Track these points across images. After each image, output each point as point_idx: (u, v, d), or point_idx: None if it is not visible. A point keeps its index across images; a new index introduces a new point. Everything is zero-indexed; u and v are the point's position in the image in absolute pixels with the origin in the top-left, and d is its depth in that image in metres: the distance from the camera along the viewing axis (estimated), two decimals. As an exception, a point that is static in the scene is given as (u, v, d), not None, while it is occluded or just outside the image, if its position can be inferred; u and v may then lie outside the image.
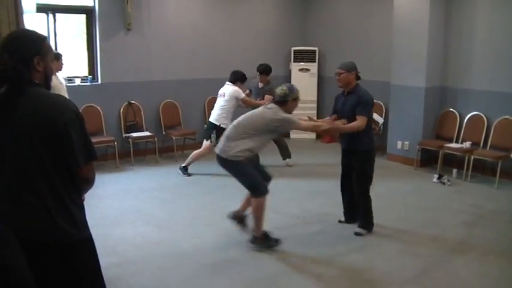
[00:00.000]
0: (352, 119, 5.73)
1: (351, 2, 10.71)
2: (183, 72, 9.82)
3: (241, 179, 5.42)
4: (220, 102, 8.22)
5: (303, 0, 11.56)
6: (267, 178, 5.70)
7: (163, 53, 9.58)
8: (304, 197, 7.39)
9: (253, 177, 5.39)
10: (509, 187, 7.98)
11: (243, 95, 8.26)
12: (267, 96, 8.41)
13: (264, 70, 8.69)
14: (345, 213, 6.29)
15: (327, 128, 5.74)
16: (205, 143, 8.28)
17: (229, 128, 5.59)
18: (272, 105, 5.53)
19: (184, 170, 8.30)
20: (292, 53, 11.20)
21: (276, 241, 5.51)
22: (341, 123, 5.85)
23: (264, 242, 5.48)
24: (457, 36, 8.86)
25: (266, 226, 5.66)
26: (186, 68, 9.86)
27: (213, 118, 8.22)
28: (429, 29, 8.71)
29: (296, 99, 5.54)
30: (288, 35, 11.37)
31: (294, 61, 11.22)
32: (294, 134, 11.34)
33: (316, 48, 11.23)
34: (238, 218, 5.76)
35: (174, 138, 9.28)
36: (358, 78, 5.90)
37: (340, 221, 6.31)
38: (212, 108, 8.40)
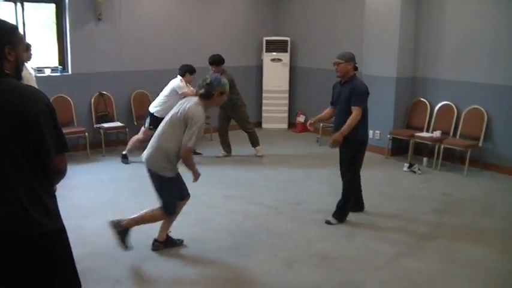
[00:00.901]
0: (346, 107, 5.81)
1: (323, -8, 10.73)
2: (154, 63, 9.74)
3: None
4: (162, 92, 8.36)
5: (274, -10, 11.56)
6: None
7: (135, 43, 9.49)
8: (278, 186, 7.41)
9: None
10: (478, 175, 8.12)
11: (184, 90, 8.16)
12: None
13: (214, 61, 8.55)
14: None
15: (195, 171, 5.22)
16: (142, 129, 8.44)
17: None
18: (195, 98, 5.00)
19: (123, 156, 8.45)
20: (264, 43, 11.19)
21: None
22: (325, 116, 6.07)
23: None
24: (428, 27, 8.95)
25: (239, 216, 5.67)
26: (158, 58, 9.79)
27: (152, 106, 8.36)
28: (400, 20, 8.78)
29: (223, 94, 5.00)
30: (260, 25, 11.35)
31: (266, 51, 11.22)
32: (266, 124, 11.37)
33: (288, 39, 11.24)
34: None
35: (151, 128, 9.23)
36: (355, 69, 5.94)
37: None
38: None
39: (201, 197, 6.78)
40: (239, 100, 8.82)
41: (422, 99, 9.15)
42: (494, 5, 8.13)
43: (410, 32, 9.02)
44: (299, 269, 4.91)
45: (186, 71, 8.39)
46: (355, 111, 5.73)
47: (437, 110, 8.89)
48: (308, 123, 6.29)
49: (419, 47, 9.12)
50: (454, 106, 8.70)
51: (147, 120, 8.30)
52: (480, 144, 8.29)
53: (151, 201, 6.59)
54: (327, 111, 6.24)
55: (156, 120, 8.22)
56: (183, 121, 4.79)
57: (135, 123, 9.36)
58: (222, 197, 6.86)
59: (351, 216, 6.17)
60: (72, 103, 8.76)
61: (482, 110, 8.33)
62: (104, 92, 9.18)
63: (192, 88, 8.23)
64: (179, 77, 8.36)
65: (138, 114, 9.44)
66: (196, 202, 6.56)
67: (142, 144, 8.31)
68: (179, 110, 4.90)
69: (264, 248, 5.33)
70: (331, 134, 6.15)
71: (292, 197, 6.96)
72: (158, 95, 9.13)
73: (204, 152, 9.09)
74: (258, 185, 7.41)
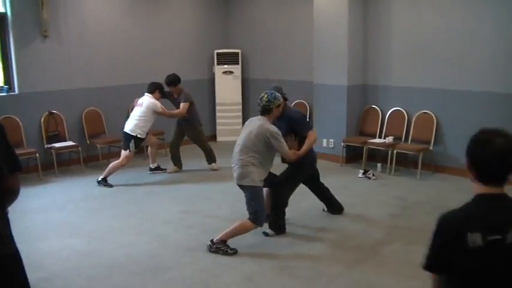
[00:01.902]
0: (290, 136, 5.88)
1: (272, 4, 10.80)
2: (105, 79, 9.62)
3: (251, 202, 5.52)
4: (137, 112, 8.13)
5: (224, 3, 11.57)
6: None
7: (84, 60, 9.34)
8: (235, 199, 7.36)
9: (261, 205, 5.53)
10: (431, 178, 8.27)
11: (160, 109, 8.19)
12: (182, 105, 8.43)
13: (171, 82, 8.56)
14: (326, 205, 6.64)
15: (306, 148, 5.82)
16: (124, 153, 8.11)
17: (236, 153, 5.60)
18: (259, 117, 5.56)
19: (104, 181, 8.06)
20: (215, 55, 11.19)
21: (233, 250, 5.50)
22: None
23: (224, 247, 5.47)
24: (376, 35, 9.11)
25: (196, 229, 5.64)
26: (108, 74, 9.66)
27: (128, 129, 8.10)
28: (348, 29, 8.91)
29: (280, 106, 5.55)
30: (210, 38, 11.35)
31: (217, 64, 11.22)
32: (221, 137, 11.35)
33: (238, 51, 11.27)
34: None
35: (98, 146, 9.09)
36: (285, 99, 5.96)
37: (324, 210, 6.69)
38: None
39: (156, 213, 6.73)
40: (196, 120, 8.82)
41: (373, 106, 9.29)
42: (439, 12, 8.33)
43: (359, 41, 9.16)
44: (259, 281, 4.90)
45: (156, 89, 8.28)
46: (311, 135, 5.88)
47: (389, 116, 9.04)
48: None
49: (369, 55, 9.26)
50: (404, 112, 8.86)
51: (131, 144, 8.04)
52: (431, 148, 8.46)
53: (109, 221, 6.54)
54: None
55: (140, 142, 8.15)
56: (263, 139, 5.38)
57: (88, 141, 9.22)
58: (178, 212, 6.80)
59: (310, 225, 6.22)
60: (20, 123, 8.55)
61: (432, 114, 8.51)
62: (54, 111, 9.00)
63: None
64: (149, 95, 8.22)
65: (91, 133, 9.31)
66: (151, 218, 6.55)
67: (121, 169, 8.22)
68: (251, 131, 5.44)
69: (224, 262, 5.29)
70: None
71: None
72: (111, 112, 9.05)
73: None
74: (214, 198, 7.38)
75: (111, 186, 8.01)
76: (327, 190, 6.57)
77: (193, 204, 7.15)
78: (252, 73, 11.38)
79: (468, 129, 8.42)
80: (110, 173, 8.08)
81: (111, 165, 8.15)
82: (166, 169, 8.83)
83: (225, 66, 11.24)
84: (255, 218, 5.44)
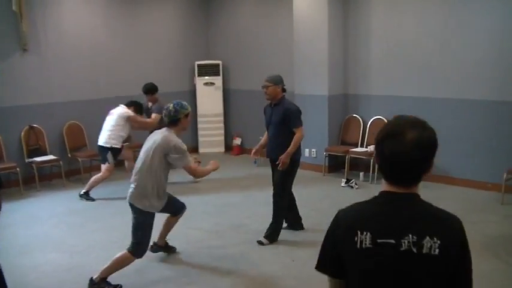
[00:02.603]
0: (279, 129, 5.89)
1: (252, 15, 10.85)
2: (86, 92, 9.58)
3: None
4: (109, 123, 8.06)
5: (204, 14, 11.60)
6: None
7: (64, 73, 9.29)
8: (217, 210, 7.39)
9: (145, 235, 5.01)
10: (413, 186, 8.31)
11: (131, 114, 8.11)
12: (153, 115, 8.40)
13: (148, 90, 8.59)
14: (285, 219, 6.42)
15: (212, 168, 5.33)
16: (104, 166, 8.07)
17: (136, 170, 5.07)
18: (163, 130, 5.09)
19: (86, 195, 8.02)
20: (196, 67, 11.20)
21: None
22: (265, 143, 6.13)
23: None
24: (356, 45, 9.19)
25: (179, 242, 5.63)
26: (89, 87, 9.63)
27: (102, 141, 8.02)
28: (329, 39, 8.98)
29: (188, 115, 5.12)
30: (191, 50, 11.36)
31: (199, 75, 11.22)
32: (203, 149, 11.33)
33: (219, 62, 11.29)
34: (163, 247, 5.75)
35: (80, 160, 9.03)
36: (284, 90, 6.00)
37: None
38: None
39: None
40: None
41: (354, 115, 9.35)
42: (418, 21, 8.43)
43: (339, 50, 9.23)
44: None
45: (132, 104, 8.24)
46: (298, 132, 5.86)
47: (370, 125, 9.10)
48: (252, 153, 6.37)
49: (349, 65, 9.34)
50: (385, 120, 8.91)
51: (109, 156, 7.99)
52: (412, 156, 8.50)
53: (92, 235, 6.48)
54: (265, 136, 6.28)
55: (117, 152, 8.08)
56: (162, 153, 4.86)
57: (69, 155, 9.15)
58: (160, 225, 6.75)
59: (293, 235, 6.23)
60: (0, 138, 8.47)
61: (412, 122, 8.56)
62: (35, 125, 8.94)
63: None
64: (124, 107, 8.17)
65: (72, 146, 9.25)
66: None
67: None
68: (152, 144, 4.95)
69: (207, 274, 5.28)
70: (255, 162, 6.18)
71: (232, 220, 6.94)
72: (92, 125, 8.97)
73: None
74: (196, 210, 7.34)
75: (93, 199, 7.97)
76: (292, 199, 6.41)
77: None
78: (233, 84, 11.40)
79: (449, 136, 8.59)
80: (91, 187, 8.04)
81: (92, 178, 8.11)
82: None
83: (206, 77, 11.24)
84: (136, 250, 4.94)
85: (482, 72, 7.83)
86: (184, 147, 4.97)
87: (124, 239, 6.19)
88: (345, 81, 9.41)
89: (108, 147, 7.98)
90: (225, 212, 7.28)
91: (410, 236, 1.88)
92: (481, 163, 7.98)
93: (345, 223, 2.05)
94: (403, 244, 1.88)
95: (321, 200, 7.79)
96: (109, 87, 9.82)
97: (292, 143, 5.81)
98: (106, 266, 4.93)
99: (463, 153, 8.18)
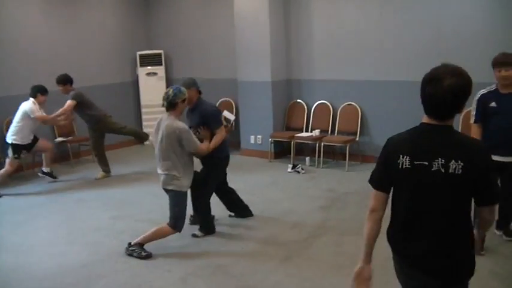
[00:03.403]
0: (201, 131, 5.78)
1: (192, 3, 10.73)
2: (25, 86, 9.22)
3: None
4: (15, 118, 7.96)
5: (144, 4, 11.41)
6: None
7: (3, 67, 8.97)
8: (167, 202, 7.24)
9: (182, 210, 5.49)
10: (359, 168, 8.44)
11: (37, 114, 7.90)
12: (67, 102, 8.21)
13: (60, 81, 8.38)
14: (230, 210, 6.46)
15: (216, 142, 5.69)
16: (7, 161, 7.98)
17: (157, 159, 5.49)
18: (164, 115, 5.40)
19: None
20: (138, 57, 11.03)
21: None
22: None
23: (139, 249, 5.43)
24: (297, 30, 9.21)
25: (127, 235, 5.54)
26: (29, 81, 9.24)
27: (8, 136, 7.95)
28: (270, 24, 8.96)
29: (185, 101, 5.39)
30: (131, 40, 11.16)
31: (141, 66, 11.06)
32: (149, 140, 11.18)
33: (161, 51, 11.15)
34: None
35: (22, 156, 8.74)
36: (199, 92, 5.88)
37: (230, 215, 6.47)
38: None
39: (86, 221, 6.56)
40: (101, 115, 8.53)
41: (298, 100, 9.39)
42: (357, 4, 8.51)
43: (280, 36, 9.23)
44: (194, 282, 4.85)
45: (37, 92, 8.02)
46: (219, 133, 5.75)
47: (314, 110, 9.16)
48: None
49: (291, 50, 9.35)
50: (329, 104, 9.00)
51: (9, 151, 7.89)
52: (357, 139, 8.64)
53: (37, 232, 6.30)
54: None
55: (18, 148, 7.89)
56: (174, 138, 5.24)
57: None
58: (109, 219, 6.64)
59: (242, 222, 6.22)
60: None
61: (356, 105, 8.69)
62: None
63: (42, 111, 7.96)
64: (31, 99, 7.97)
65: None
66: (81, 227, 6.38)
67: (11, 177, 8.00)
68: (160, 135, 5.32)
69: (157, 265, 5.22)
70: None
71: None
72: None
73: (85, 174, 8.81)
74: (145, 202, 7.25)
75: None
76: (233, 192, 6.40)
77: (123, 209, 7.02)
78: (176, 73, 11.28)
79: (392, 118, 8.73)
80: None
81: None
82: (57, 178, 8.55)
83: (149, 67, 11.09)
84: (175, 224, 5.41)
85: (421, 55, 7.96)
86: (188, 130, 5.35)
87: (70, 235, 6.12)
88: (287, 67, 9.43)
89: (8, 143, 7.90)
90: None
91: (439, 159, 2.46)
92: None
93: (392, 148, 2.63)
94: (434, 165, 2.47)
95: (268, 186, 7.80)
96: (50, 80, 9.51)
97: (212, 142, 5.68)
98: (146, 234, 5.43)
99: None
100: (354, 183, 7.68)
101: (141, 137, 8.92)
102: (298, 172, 8.38)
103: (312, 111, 9.18)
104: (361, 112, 8.66)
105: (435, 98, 2.48)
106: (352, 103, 8.75)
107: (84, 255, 5.55)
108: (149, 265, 5.22)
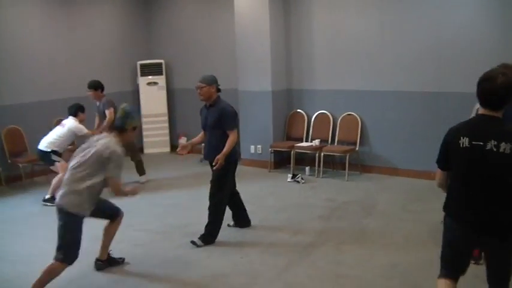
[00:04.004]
0: (215, 130, 5.78)
1: (193, 13, 10.77)
2: (26, 95, 9.27)
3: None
4: (56, 132, 7.89)
5: (145, 14, 11.45)
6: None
7: (2, 76, 8.99)
8: (165, 211, 7.30)
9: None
10: (358, 178, 8.44)
11: (84, 133, 7.86)
12: (107, 112, 8.32)
13: (92, 86, 8.46)
14: (233, 217, 6.41)
15: (131, 192, 5.24)
16: (57, 166, 7.81)
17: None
18: (103, 135, 4.92)
19: (54, 200, 7.70)
20: (139, 67, 11.06)
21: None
22: (198, 140, 6.05)
23: None
24: (298, 40, 9.23)
25: (127, 245, 5.52)
26: (29, 90, 9.31)
27: (43, 146, 7.82)
28: (270, 35, 8.99)
29: (135, 129, 5.02)
30: (132, 50, 11.20)
31: (141, 75, 11.08)
32: (148, 149, 11.20)
33: (162, 61, 11.17)
34: (106, 261, 5.45)
35: (20, 165, 8.75)
36: (218, 90, 5.91)
37: (229, 225, 6.40)
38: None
39: (85, 231, 6.51)
40: None
41: (299, 110, 9.40)
42: (358, 16, 8.55)
43: (281, 46, 9.26)
44: (192, 291, 4.84)
45: (78, 110, 8.02)
46: (232, 135, 5.75)
47: (314, 120, 9.17)
48: (178, 149, 6.24)
49: (292, 60, 9.38)
50: (329, 114, 9.01)
51: (54, 157, 7.76)
52: (357, 149, 8.64)
53: (37, 243, 6.29)
54: (200, 135, 6.16)
55: (58, 152, 7.86)
56: (100, 159, 4.65)
57: (9, 160, 8.80)
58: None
59: (241, 232, 6.21)
60: None
61: (356, 115, 8.70)
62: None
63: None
64: (72, 118, 7.98)
65: (12, 151, 8.88)
66: (80, 236, 6.33)
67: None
68: (90, 149, 4.74)
69: (156, 275, 5.21)
70: (201, 160, 6.04)
71: (180, 220, 6.87)
72: (33, 129, 8.74)
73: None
74: (143, 211, 7.25)
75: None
76: (239, 200, 6.36)
77: (122, 218, 6.99)
78: (177, 83, 11.30)
79: (391, 128, 8.76)
80: (55, 190, 7.77)
81: (53, 182, 7.79)
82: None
83: (149, 77, 11.11)
84: (65, 254, 4.73)
85: (420, 65, 8.02)
86: (122, 160, 4.80)
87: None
88: (288, 77, 9.45)
89: (48, 151, 7.78)
90: (172, 212, 7.20)
91: (492, 141, 3.16)
92: (424, 153, 8.13)
93: (454, 132, 3.38)
94: (488, 145, 3.17)
95: (268, 196, 7.79)
96: (50, 89, 9.56)
97: (226, 144, 5.69)
98: (36, 280, 4.69)
99: (405, 144, 8.34)
100: (354, 193, 7.69)
101: (141, 170, 8.89)
102: (298, 182, 8.38)
103: (312, 121, 9.19)
104: (361, 122, 8.67)
105: (488, 94, 3.21)
106: (352, 113, 8.76)
107: (83, 265, 5.52)
108: (149, 275, 5.21)
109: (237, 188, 6.29)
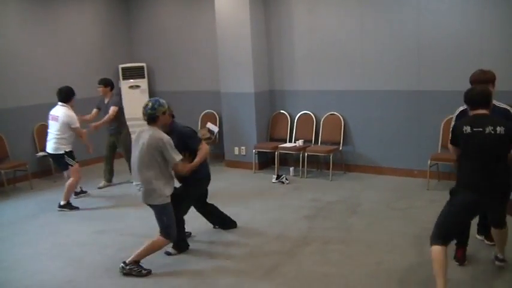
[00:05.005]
0: (183, 153, 5.63)
1: (174, 16, 10.74)
2: (5, 100, 9.19)
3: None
4: (53, 129, 7.59)
5: (125, 17, 11.38)
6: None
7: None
8: (150, 215, 7.19)
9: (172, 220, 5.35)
10: (343, 177, 8.48)
11: (76, 124, 7.61)
12: (111, 108, 8.43)
13: (103, 82, 8.63)
14: (214, 223, 6.47)
15: (199, 160, 5.59)
16: (71, 170, 7.67)
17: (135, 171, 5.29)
18: (147, 127, 5.29)
19: (70, 206, 7.60)
20: (120, 70, 11.00)
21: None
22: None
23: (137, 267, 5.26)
24: (279, 41, 9.26)
25: (113, 250, 5.50)
26: (9, 95, 9.23)
27: (51, 149, 7.61)
28: (251, 37, 9.00)
29: (165, 113, 5.34)
30: (113, 53, 11.13)
31: (123, 79, 11.02)
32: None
33: (144, 64, 11.13)
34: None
35: (2, 172, 8.67)
36: (172, 116, 5.77)
37: (214, 227, 6.47)
38: (45, 135, 7.83)
39: (69, 236, 6.51)
40: (126, 128, 8.83)
41: (282, 111, 9.42)
42: (337, 16, 8.58)
43: (263, 48, 9.27)
44: (179, 294, 4.83)
45: (69, 95, 7.66)
46: (203, 148, 5.69)
47: (297, 120, 9.19)
48: None
49: (274, 62, 9.39)
50: (312, 115, 9.04)
51: (68, 160, 7.59)
52: (340, 148, 8.68)
53: (19, 249, 6.23)
54: None
55: (72, 153, 7.69)
56: (157, 149, 5.11)
57: None
58: (92, 233, 6.59)
59: (227, 235, 6.21)
60: None
61: (339, 115, 8.74)
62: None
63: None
64: (63, 105, 7.60)
65: None
66: (64, 242, 6.32)
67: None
68: (144, 143, 5.15)
69: (141, 278, 5.19)
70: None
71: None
72: (14, 134, 8.66)
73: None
74: (129, 216, 7.21)
75: (77, 208, 7.62)
76: (215, 209, 6.35)
77: (107, 223, 6.96)
78: (159, 86, 11.26)
79: (374, 127, 8.81)
80: (69, 195, 7.69)
81: (67, 186, 7.65)
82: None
83: (131, 80, 11.07)
84: (167, 233, 5.31)
85: (401, 65, 8.08)
86: (172, 143, 5.19)
87: (53, 250, 6.05)
88: (270, 78, 9.47)
89: (60, 154, 7.57)
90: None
91: (489, 126, 4.20)
92: (407, 151, 8.20)
93: (459, 124, 4.41)
94: (486, 130, 4.20)
95: (253, 197, 7.79)
96: (31, 94, 9.47)
97: (198, 156, 5.63)
98: (140, 250, 5.25)
99: (389, 143, 8.39)
100: (338, 193, 7.71)
101: None
102: (283, 182, 8.39)
103: (295, 121, 9.21)
104: (344, 122, 8.71)
105: (475, 97, 4.36)
106: (335, 113, 8.80)
107: (68, 270, 5.50)
108: (134, 281, 5.19)
109: (212, 190, 6.27)
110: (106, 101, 8.63)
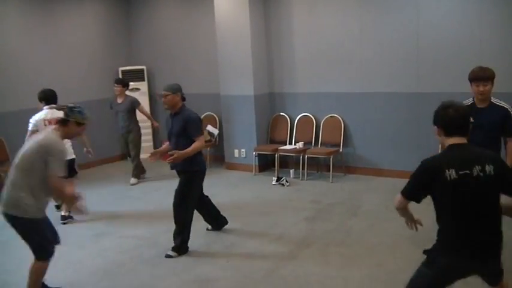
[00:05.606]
0: (181, 139, 5.70)
1: (174, 18, 10.75)
2: (6, 104, 9.20)
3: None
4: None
5: (125, 20, 11.39)
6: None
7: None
8: (151, 216, 7.26)
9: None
10: (343, 179, 8.49)
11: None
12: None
13: (120, 82, 9.11)
14: (210, 223, 6.44)
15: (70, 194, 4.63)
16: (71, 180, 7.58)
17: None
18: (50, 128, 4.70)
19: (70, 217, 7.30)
20: (120, 73, 11.01)
21: None
22: (165, 149, 6.00)
23: None
24: (279, 44, 9.27)
25: (113, 252, 5.47)
26: (10, 98, 9.24)
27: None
28: (251, 40, 9.01)
29: (81, 125, 4.67)
30: (113, 56, 11.13)
31: (124, 81, 11.03)
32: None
33: (143, 67, 11.15)
34: None
35: (2, 174, 8.61)
36: (183, 99, 5.87)
37: (207, 229, 6.45)
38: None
39: (69, 238, 6.48)
40: (137, 126, 9.20)
41: (281, 113, 9.42)
42: (337, 19, 8.60)
43: (262, 50, 9.28)
44: (180, 297, 4.83)
45: (55, 97, 7.57)
46: (198, 141, 5.68)
47: (297, 122, 9.20)
48: (149, 156, 6.28)
49: (274, 64, 9.40)
50: (312, 117, 9.04)
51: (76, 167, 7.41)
52: (341, 150, 8.68)
53: (19, 252, 6.22)
54: (166, 144, 6.09)
55: (74, 161, 7.28)
56: (43, 152, 4.35)
57: None
58: (92, 236, 6.60)
59: (226, 237, 6.21)
60: None
61: (339, 117, 8.75)
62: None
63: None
64: (48, 108, 7.40)
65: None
66: (64, 244, 6.25)
67: None
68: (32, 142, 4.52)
69: (142, 281, 5.19)
70: (171, 169, 5.95)
71: (167, 225, 6.82)
72: (15, 138, 8.63)
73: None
74: (130, 217, 7.22)
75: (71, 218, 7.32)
76: (209, 203, 6.31)
77: (107, 225, 6.96)
78: (159, 88, 11.18)
79: (374, 129, 8.80)
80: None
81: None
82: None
83: (131, 83, 11.04)
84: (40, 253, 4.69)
85: (401, 66, 8.09)
86: (64, 155, 4.50)
87: (55, 252, 6.02)
88: (270, 81, 9.48)
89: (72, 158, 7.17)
90: (159, 218, 7.15)
91: (477, 166, 3.11)
92: (407, 153, 8.20)
93: (434, 166, 3.20)
94: (474, 172, 3.10)
95: (253, 199, 7.79)
96: (31, 97, 9.41)
97: (191, 147, 5.61)
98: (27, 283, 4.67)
99: (389, 145, 8.39)
100: (338, 194, 7.72)
101: (139, 172, 9.16)
102: (283, 185, 8.39)
103: (295, 123, 9.22)
104: (344, 124, 8.72)
105: (457, 121, 3.24)
106: (334, 115, 8.81)
107: (68, 273, 5.50)
108: (133, 281, 5.19)
109: (213, 192, 6.28)
110: (120, 100, 8.92)
